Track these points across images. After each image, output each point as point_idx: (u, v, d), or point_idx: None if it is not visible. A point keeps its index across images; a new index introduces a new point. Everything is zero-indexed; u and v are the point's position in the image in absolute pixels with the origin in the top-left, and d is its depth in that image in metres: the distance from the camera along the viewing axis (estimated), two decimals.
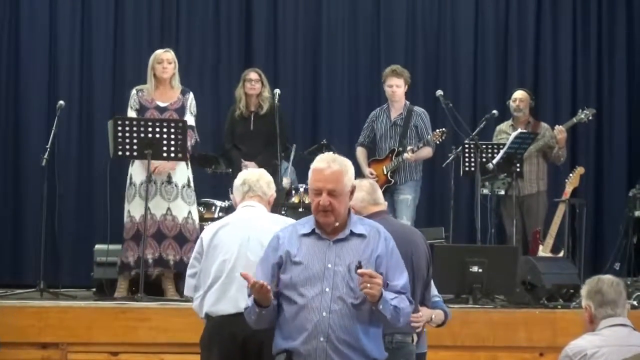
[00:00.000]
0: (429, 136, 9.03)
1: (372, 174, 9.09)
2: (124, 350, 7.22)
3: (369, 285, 4.15)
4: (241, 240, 5.09)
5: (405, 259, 4.95)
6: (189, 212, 8.10)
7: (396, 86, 9.10)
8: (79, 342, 7.37)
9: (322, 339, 4.24)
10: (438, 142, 9.11)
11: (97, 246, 8.62)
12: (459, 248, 8.68)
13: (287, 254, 4.36)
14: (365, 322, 4.31)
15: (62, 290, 8.42)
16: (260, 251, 4.80)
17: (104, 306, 7.61)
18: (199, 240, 5.29)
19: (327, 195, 4.31)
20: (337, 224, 4.36)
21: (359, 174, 9.25)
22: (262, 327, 4.43)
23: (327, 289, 4.27)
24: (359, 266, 4.15)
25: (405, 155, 8.97)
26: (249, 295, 4.37)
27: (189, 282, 5.26)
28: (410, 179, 9.11)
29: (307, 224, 4.43)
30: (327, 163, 4.36)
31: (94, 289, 8.45)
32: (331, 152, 4.55)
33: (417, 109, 9.25)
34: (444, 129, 9.07)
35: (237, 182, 5.32)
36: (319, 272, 4.30)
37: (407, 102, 9.25)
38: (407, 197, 9.03)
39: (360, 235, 4.38)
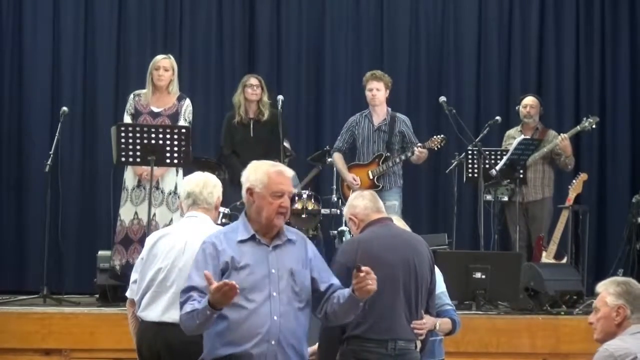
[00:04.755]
0: (425, 142, 9.01)
1: (355, 179, 9.09)
2: (127, 357, 7.17)
3: (370, 282, 4.29)
4: (177, 252, 5.11)
5: (407, 266, 4.96)
6: (171, 220, 8.06)
7: (376, 89, 9.08)
8: (82, 349, 7.40)
9: (273, 342, 4.34)
10: (437, 149, 9.08)
11: (100, 252, 8.59)
12: (462, 254, 8.67)
13: (232, 260, 4.40)
14: (305, 326, 4.47)
15: (65, 296, 8.44)
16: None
17: (107, 312, 7.62)
18: (144, 247, 5.33)
19: (287, 197, 4.46)
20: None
21: (339, 179, 9.30)
22: (198, 332, 4.43)
23: (274, 294, 4.37)
24: (359, 267, 4.30)
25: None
26: (188, 300, 4.35)
27: (130, 287, 5.30)
28: (395, 185, 9.13)
29: (241, 230, 4.48)
30: (282, 167, 4.54)
31: (97, 295, 8.45)
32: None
33: (400, 115, 9.26)
34: (443, 135, 9.05)
35: (182, 193, 5.33)
36: (264, 277, 4.38)
37: (389, 109, 9.25)
38: (394, 202, 8.99)
39: (290, 241, 4.51)
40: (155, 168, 7.94)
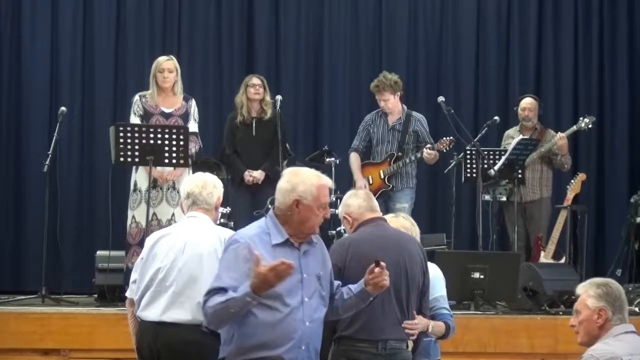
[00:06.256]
0: (434, 143, 8.95)
1: (366, 186, 9.03)
2: (126, 357, 7.17)
3: (385, 277, 4.43)
4: (177, 252, 5.12)
5: (398, 266, 4.97)
6: None
7: (383, 100, 9.05)
8: (80, 349, 7.39)
9: (303, 347, 4.36)
10: (445, 151, 9.02)
11: (99, 252, 8.60)
12: (460, 254, 8.67)
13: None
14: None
15: (63, 296, 8.44)
16: (196, 263, 4.98)
17: (106, 312, 7.62)
18: (144, 247, 5.35)
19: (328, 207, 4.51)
20: None
21: (352, 179, 9.29)
22: (225, 324, 4.36)
23: (306, 299, 4.39)
24: (378, 262, 4.43)
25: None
26: (216, 295, 4.27)
27: (130, 286, 5.31)
28: (406, 186, 9.06)
29: (274, 233, 4.43)
30: (326, 178, 4.53)
31: (96, 295, 8.45)
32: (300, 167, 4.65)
33: (416, 114, 9.20)
34: (452, 137, 8.99)
35: (182, 194, 5.35)
36: (297, 282, 4.37)
37: (405, 107, 9.21)
38: (404, 205, 8.93)
39: (311, 243, 4.52)
40: (169, 169, 8.00)
